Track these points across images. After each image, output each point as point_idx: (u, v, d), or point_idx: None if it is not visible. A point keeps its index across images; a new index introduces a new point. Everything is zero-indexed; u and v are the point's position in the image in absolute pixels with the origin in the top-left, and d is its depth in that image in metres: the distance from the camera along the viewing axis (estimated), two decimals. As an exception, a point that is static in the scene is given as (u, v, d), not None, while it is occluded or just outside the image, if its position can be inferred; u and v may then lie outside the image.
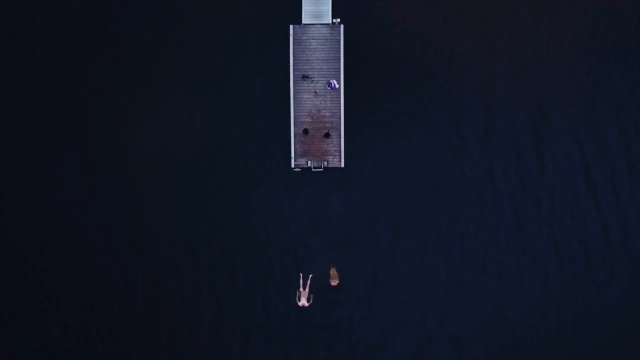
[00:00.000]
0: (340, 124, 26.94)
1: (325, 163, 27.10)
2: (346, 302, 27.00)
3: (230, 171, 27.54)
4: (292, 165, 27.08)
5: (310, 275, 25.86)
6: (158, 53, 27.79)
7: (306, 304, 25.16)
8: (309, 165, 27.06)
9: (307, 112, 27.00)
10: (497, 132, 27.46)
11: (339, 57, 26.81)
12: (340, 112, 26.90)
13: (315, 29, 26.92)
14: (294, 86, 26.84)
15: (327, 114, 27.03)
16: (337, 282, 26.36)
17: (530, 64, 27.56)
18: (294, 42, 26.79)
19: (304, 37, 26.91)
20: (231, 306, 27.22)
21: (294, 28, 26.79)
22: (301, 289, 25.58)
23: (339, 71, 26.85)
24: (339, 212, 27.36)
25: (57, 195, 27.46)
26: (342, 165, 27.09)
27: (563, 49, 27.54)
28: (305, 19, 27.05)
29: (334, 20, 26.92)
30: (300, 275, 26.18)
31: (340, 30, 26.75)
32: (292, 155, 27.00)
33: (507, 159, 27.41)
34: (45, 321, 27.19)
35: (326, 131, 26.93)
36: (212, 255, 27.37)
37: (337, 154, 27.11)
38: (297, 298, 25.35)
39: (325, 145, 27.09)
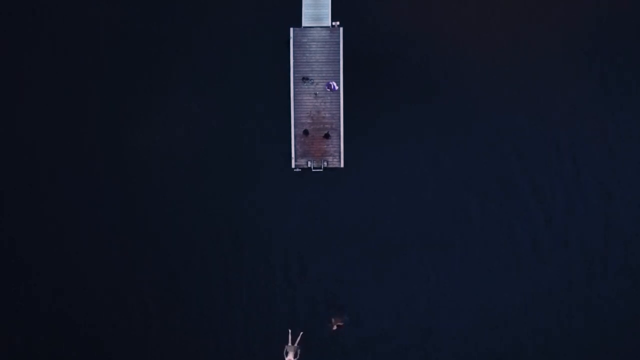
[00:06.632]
0: (339, 125, 27.27)
1: (325, 163, 27.42)
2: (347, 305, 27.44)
3: (231, 171, 27.80)
4: (293, 166, 27.39)
5: (301, 333, 25.51)
6: (159, 55, 28.04)
7: (292, 359, 24.35)
8: (309, 165, 27.38)
9: (307, 113, 27.33)
10: (496, 133, 27.81)
11: (339, 59, 27.15)
12: (339, 113, 27.23)
13: (315, 32, 27.25)
14: (294, 88, 27.15)
15: (327, 115, 27.35)
16: (342, 324, 26.28)
17: (528, 65, 27.96)
18: (294, 45, 27.11)
19: (304, 40, 27.23)
20: (231, 304, 27.53)
21: (294, 31, 27.11)
22: (289, 344, 24.94)
23: (339, 73, 27.18)
24: (339, 212, 27.77)
25: (57, 195, 27.65)
26: (342, 165, 27.42)
27: (566, 50, 27.96)
28: (305, 22, 27.36)
29: (334, 23, 27.23)
30: (289, 331, 25.58)
31: (339, 33, 27.09)
32: (293, 155, 27.32)
33: (506, 157, 27.79)
34: (44, 321, 27.45)
35: (326, 132, 27.26)
36: (211, 255, 27.63)
37: (336, 154, 27.44)
38: (284, 353, 24.57)
39: (325, 146, 27.41)
